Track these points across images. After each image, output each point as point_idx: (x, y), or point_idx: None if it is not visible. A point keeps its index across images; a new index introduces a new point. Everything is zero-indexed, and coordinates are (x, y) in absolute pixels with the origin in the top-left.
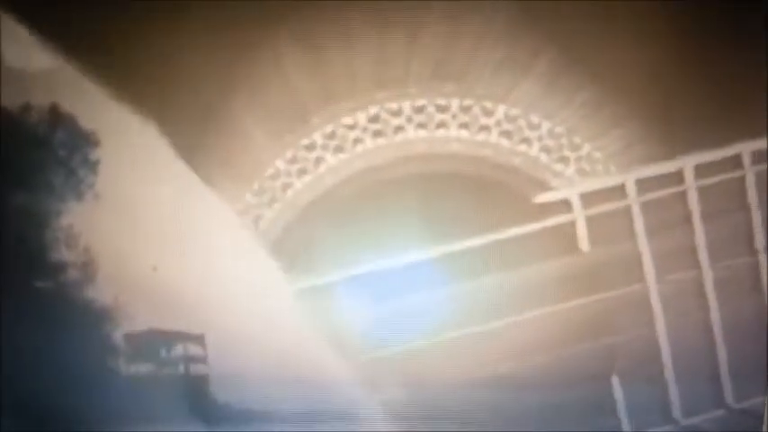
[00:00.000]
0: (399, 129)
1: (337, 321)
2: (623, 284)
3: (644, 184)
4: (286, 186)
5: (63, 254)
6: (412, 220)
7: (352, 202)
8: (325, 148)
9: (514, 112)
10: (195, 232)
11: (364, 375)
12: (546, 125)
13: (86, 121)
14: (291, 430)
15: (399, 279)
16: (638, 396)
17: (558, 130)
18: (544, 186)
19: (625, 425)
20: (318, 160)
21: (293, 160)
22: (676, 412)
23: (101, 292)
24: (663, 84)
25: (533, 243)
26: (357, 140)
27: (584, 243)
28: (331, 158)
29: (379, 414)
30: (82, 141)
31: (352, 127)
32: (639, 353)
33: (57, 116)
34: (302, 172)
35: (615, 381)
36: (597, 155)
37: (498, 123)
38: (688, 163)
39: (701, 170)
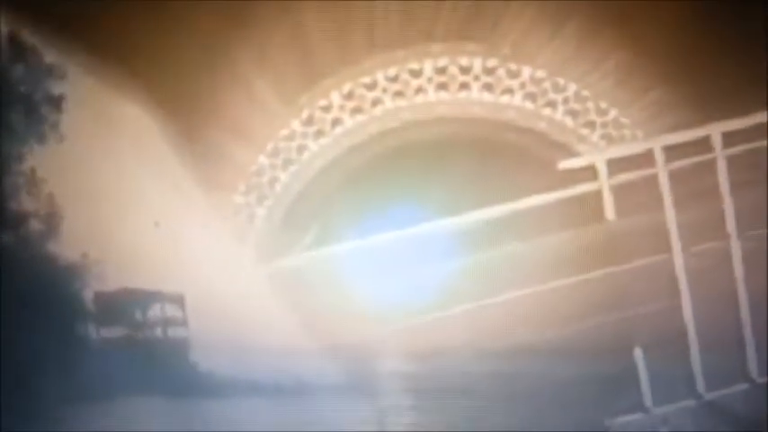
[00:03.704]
0: (420, 90)
1: (349, 291)
2: (648, 255)
3: (672, 152)
4: (302, 148)
5: (24, 203)
6: (430, 186)
7: (369, 166)
8: (342, 109)
9: (540, 74)
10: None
11: (375, 347)
12: (572, 88)
13: (50, 52)
14: (279, 403)
15: (416, 248)
16: (662, 369)
17: (585, 93)
18: (569, 152)
19: (647, 398)
20: (336, 122)
21: (309, 121)
22: (700, 386)
23: (67, 247)
24: (693, 50)
25: (557, 211)
26: (376, 101)
27: (609, 212)
28: (348, 120)
29: (376, 387)
30: (44, 75)
31: (371, 87)
32: (663, 325)
33: (16, 46)
34: (319, 134)
35: (638, 353)
36: (624, 120)
37: (523, 85)
38: (716, 130)
39: (729, 138)
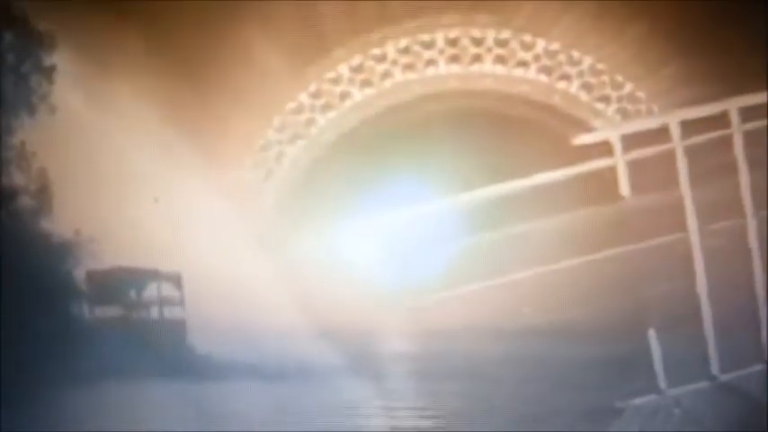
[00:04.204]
0: (431, 62)
1: (355, 271)
2: (664, 233)
3: (688, 127)
4: (310, 122)
5: (14, 177)
6: (441, 162)
7: (379, 141)
8: (351, 81)
9: (555, 46)
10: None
11: (380, 328)
12: (587, 61)
13: (40, 20)
14: (280, 386)
15: (425, 226)
16: (676, 351)
17: (600, 66)
18: (583, 127)
19: (661, 380)
20: (344, 95)
21: (317, 94)
22: (714, 368)
23: (59, 224)
24: (711, 23)
25: (570, 188)
26: (386, 74)
27: (624, 188)
28: (357, 93)
29: (381, 370)
30: (34, 44)
31: (380, 59)
32: (678, 306)
33: (5, 14)
34: (327, 107)
35: (652, 334)
36: (640, 94)
37: (537, 58)
38: (733, 105)
39: (747, 113)
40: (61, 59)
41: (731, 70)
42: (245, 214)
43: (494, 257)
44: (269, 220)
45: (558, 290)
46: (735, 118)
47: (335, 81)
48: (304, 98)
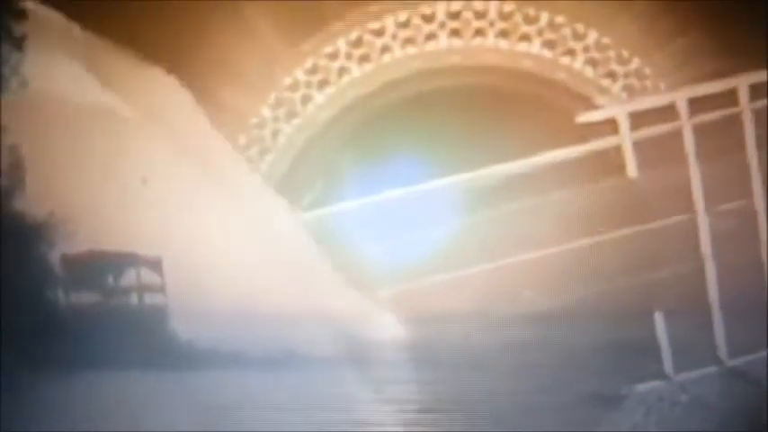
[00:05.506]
0: (431, 36)
1: (352, 253)
2: (670, 214)
3: (696, 105)
4: (306, 99)
5: None
6: (441, 140)
7: (377, 119)
8: (349, 57)
9: (559, 19)
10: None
11: (375, 313)
12: (593, 35)
13: None
14: (264, 376)
15: (424, 206)
16: (682, 335)
17: (606, 40)
18: (589, 104)
19: (667, 365)
20: (342, 70)
21: (314, 70)
22: (722, 353)
23: (32, 204)
24: None
25: (575, 167)
26: (385, 49)
27: (630, 168)
28: (356, 69)
29: (375, 358)
30: (4, 13)
31: (379, 33)
32: (685, 289)
33: None
34: (324, 83)
35: (658, 318)
36: (647, 70)
37: (541, 32)
38: (743, 82)
39: (757, 90)
40: (33, 28)
41: (741, 46)
42: (233, 194)
43: (494, 239)
44: (260, 201)
45: (561, 272)
46: (744, 95)
47: (333, 56)
48: (300, 74)
